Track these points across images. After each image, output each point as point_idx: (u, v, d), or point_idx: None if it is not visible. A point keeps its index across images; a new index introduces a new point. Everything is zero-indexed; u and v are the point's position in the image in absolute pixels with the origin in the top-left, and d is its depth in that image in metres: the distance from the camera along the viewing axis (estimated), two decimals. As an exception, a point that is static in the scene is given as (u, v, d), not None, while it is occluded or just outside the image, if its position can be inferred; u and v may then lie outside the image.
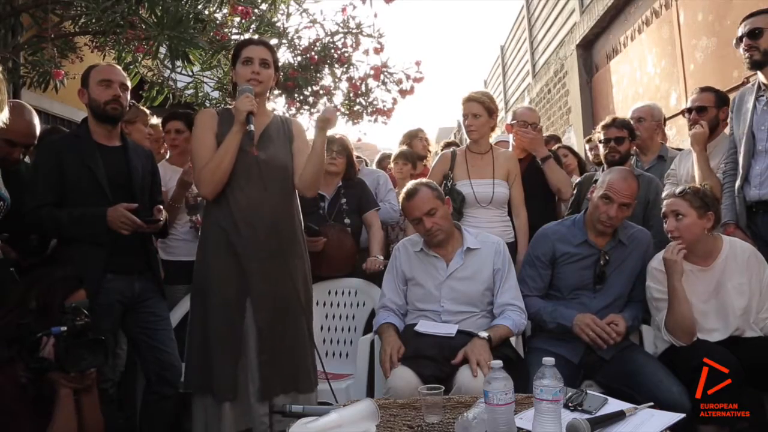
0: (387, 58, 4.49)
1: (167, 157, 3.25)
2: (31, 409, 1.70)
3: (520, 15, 10.49)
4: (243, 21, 3.95)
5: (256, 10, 3.94)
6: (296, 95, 4.56)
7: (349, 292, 3.01)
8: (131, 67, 3.87)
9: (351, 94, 4.65)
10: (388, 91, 4.60)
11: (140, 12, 3.28)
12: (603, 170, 2.98)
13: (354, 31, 4.43)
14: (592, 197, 2.43)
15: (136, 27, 3.27)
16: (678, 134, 4.98)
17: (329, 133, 2.37)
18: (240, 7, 3.67)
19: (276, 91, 4.22)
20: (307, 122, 4.71)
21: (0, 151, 2.23)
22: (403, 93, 4.57)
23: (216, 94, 4.83)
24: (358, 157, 3.80)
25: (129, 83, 2.44)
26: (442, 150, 3.84)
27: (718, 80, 3.98)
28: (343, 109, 4.71)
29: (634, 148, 3.13)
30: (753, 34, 2.43)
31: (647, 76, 5.79)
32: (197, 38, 3.25)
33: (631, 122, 3.10)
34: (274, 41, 4.26)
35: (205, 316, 2.20)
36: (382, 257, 2.96)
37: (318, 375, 2.30)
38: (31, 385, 1.72)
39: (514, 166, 3.02)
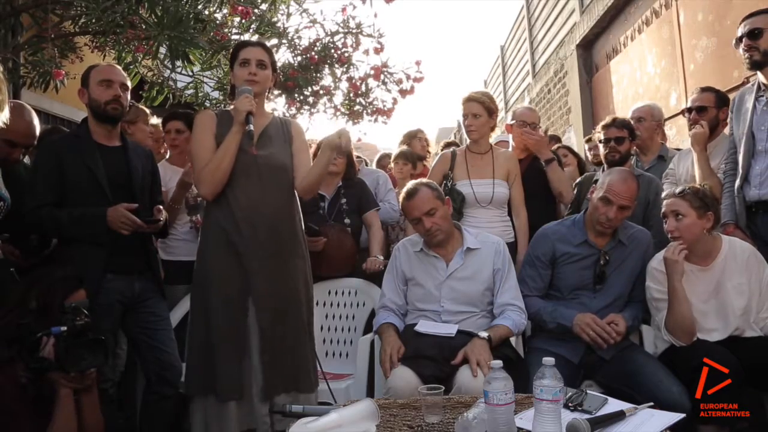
0: (387, 58, 4.49)
1: (167, 157, 3.25)
2: (31, 409, 1.70)
3: (520, 15, 10.49)
4: (243, 21, 3.95)
5: (256, 10, 3.94)
6: (296, 95, 4.55)
7: (349, 292, 3.01)
8: (131, 67, 3.87)
9: (351, 94, 4.64)
10: (388, 91, 4.60)
11: (140, 12, 3.28)
12: (603, 170, 2.99)
13: (354, 31, 4.43)
14: (592, 198, 2.43)
15: (136, 27, 3.27)
16: (678, 134, 4.98)
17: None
18: (240, 7, 3.67)
19: (276, 91, 4.22)
20: (307, 122, 4.72)
21: (0, 152, 2.23)
22: (403, 93, 4.57)
23: (216, 94, 4.82)
24: (358, 157, 3.80)
25: (129, 83, 2.45)
26: (442, 150, 3.84)
27: (718, 80, 3.98)
28: (343, 109, 4.71)
29: (634, 148, 3.13)
30: (753, 35, 2.43)
31: (647, 76, 5.79)
32: (197, 38, 3.25)
33: (631, 122, 3.10)
34: (274, 41, 4.26)
35: (206, 316, 2.20)
36: (382, 257, 2.96)
37: (317, 375, 2.30)
38: (31, 385, 1.72)
39: (514, 166, 3.02)
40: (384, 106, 4.66)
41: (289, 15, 4.37)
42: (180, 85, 4.53)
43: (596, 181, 2.63)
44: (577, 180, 3.31)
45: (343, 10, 4.41)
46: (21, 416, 1.67)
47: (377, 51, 4.43)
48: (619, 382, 2.17)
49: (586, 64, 7.43)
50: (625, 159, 2.98)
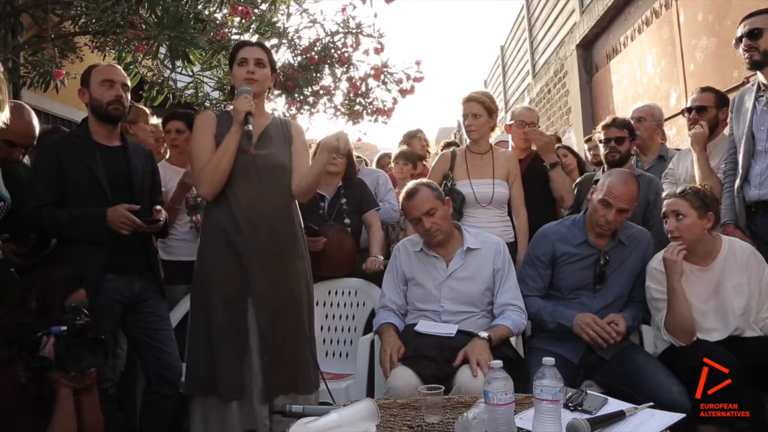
0: (387, 58, 4.50)
1: (167, 157, 3.25)
2: (31, 409, 1.70)
3: (520, 15, 10.48)
4: (243, 21, 3.95)
5: (256, 10, 3.94)
6: (296, 95, 4.56)
7: (349, 292, 3.01)
8: (131, 67, 3.87)
9: (351, 94, 4.65)
10: (388, 91, 4.61)
11: (140, 12, 3.28)
12: (603, 170, 2.99)
13: (354, 31, 4.44)
14: (592, 200, 2.42)
15: (136, 27, 3.27)
16: (678, 134, 4.98)
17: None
18: (240, 7, 3.67)
19: (276, 91, 4.23)
20: (307, 122, 4.73)
21: (0, 152, 2.23)
22: (404, 93, 4.58)
23: (216, 94, 4.83)
24: (358, 157, 3.80)
25: (129, 83, 2.45)
26: (442, 150, 3.84)
27: (718, 80, 3.98)
28: (343, 109, 4.72)
29: (635, 148, 3.13)
30: (752, 35, 2.43)
31: (647, 76, 5.79)
32: (197, 38, 3.25)
33: (632, 122, 3.10)
34: (274, 41, 4.27)
35: (206, 316, 2.20)
36: (382, 257, 2.96)
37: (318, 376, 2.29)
38: (31, 385, 1.72)
39: (514, 166, 3.02)
40: (384, 106, 4.67)
41: (289, 15, 4.38)
42: (180, 85, 4.53)
43: (596, 181, 2.63)
44: (577, 180, 3.31)
45: (343, 10, 4.42)
46: (21, 416, 1.67)
47: (377, 51, 4.44)
48: (619, 382, 2.17)
49: (586, 64, 7.43)
50: (626, 159, 2.98)
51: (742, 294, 2.25)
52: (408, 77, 4.54)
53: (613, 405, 1.68)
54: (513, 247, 2.81)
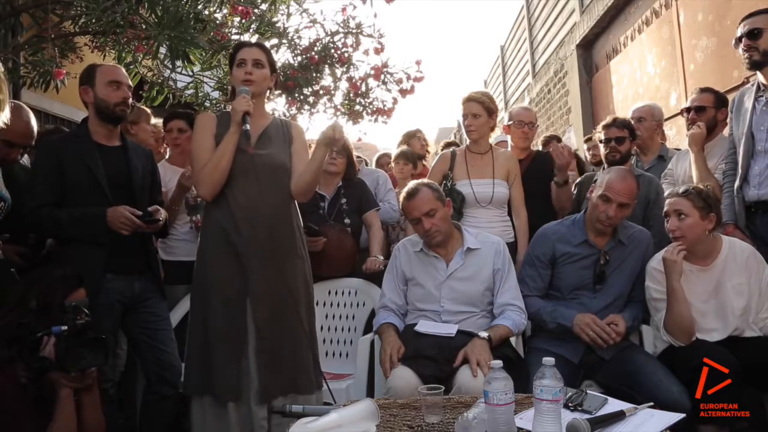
0: (387, 58, 4.49)
1: (167, 156, 3.25)
2: (31, 409, 1.71)
3: (520, 15, 10.49)
4: (243, 21, 3.95)
5: (256, 10, 3.94)
6: (296, 95, 4.56)
7: (349, 292, 3.01)
8: (131, 67, 3.87)
9: (351, 94, 4.65)
10: (389, 90, 4.60)
11: (140, 12, 3.28)
12: (603, 170, 2.99)
13: (354, 31, 4.43)
14: (591, 197, 2.43)
15: (136, 27, 3.27)
16: (678, 134, 4.98)
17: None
18: (240, 7, 3.67)
19: (276, 91, 4.22)
20: (307, 122, 4.72)
21: (-1, 152, 2.23)
22: (404, 93, 4.58)
23: (216, 94, 4.82)
24: (358, 157, 3.80)
25: (131, 83, 2.45)
26: (442, 150, 3.84)
27: (718, 80, 3.99)
28: (343, 109, 4.71)
29: (635, 148, 3.13)
30: (752, 35, 2.43)
31: (647, 76, 5.79)
32: (197, 38, 3.25)
33: (632, 122, 3.10)
34: (274, 41, 4.26)
35: (205, 317, 2.20)
36: (382, 257, 2.96)
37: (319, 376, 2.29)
38: (32, 385, 1.72)
39: (514, 166, 3.02)
40: (384, 106, 4.66)
41: (289, 15, 4.38)
42: (180, 85, 4.52)
43: (596, 180, 2.63)
44: (577, 180, 3.31)
45: (343, 10, 4.41)
46: (21, 416, 1.67)
47: (377, 51, 4.43)
48: (619, 382, 2.17)
49: (586, 64, 7.43)
50: (626, 159, 2.98)
51: (742, 294, 2.25)
52: (408, 77, 4.53)
53: (613, 405, 1.68)
54: (513, 247, 2.81)
